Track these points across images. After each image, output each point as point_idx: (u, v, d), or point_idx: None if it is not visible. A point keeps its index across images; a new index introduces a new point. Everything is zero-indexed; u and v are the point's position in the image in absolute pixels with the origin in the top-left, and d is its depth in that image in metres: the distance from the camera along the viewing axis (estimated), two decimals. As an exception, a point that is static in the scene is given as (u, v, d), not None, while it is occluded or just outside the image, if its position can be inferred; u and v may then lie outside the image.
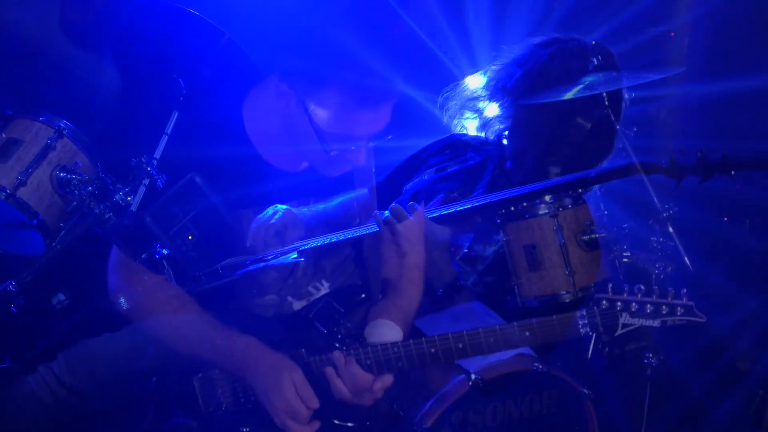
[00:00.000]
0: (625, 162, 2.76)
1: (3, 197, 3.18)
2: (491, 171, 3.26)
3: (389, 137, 2.71)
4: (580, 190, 2.99)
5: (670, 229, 2.73)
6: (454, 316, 3.22)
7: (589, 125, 3.03)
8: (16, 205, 3.20)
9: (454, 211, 2.80)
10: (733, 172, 2.47)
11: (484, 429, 2.86)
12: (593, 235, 2.85)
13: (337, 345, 2.47)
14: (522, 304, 3.01)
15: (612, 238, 2.93)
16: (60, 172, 3.27)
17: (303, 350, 2.45)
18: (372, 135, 2.54)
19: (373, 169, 2.91)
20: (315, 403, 2.37)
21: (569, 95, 2.85)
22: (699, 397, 3.75)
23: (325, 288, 2.78)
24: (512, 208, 2.93)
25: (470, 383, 2.78)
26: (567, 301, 2.90)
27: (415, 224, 2.63)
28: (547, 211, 2.87)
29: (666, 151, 3.02)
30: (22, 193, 3.22)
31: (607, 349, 3.62)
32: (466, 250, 3.53)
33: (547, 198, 2.88)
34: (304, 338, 2.49)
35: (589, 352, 3.47)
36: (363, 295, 2.65)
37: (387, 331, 2.51)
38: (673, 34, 4.70)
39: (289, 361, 2.39)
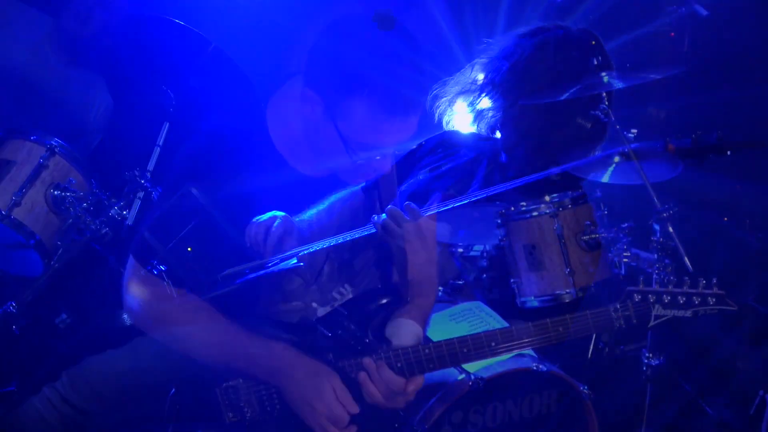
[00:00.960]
0: (623, 149, 2.75)
1: None
2: (486, 166, 3.26)
3: (413, 145, 2.71)
4: (581, 189, 2.99)
5: (670, 229, 2.73)
6: (454, 316, 3.22)
7: (581, 123, 3.03)
8: (11, 226, 3.19)
9: (453, 207, 2.79)
10: (729, 152, 2.48)
11: (484, 429, 2.86)
12: (593, 235, 2.85)
13: (350, 348, 2.47)
14: (522, 304, 3.02)
15: (611, 237, 2.92)
16: (54, 191, 3.26)
17: (331, 355, 2.46)
18: (399, 143, 2.54)
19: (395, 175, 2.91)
20: (355, 408, 2.37)
21: (561, 97, 2.85)
22: (699, 397, 3.74)
23: (348, 293, 2.77)
24: (512, 208, 2.93)
25: (470, 383, 2.78)
26: (567, 301, 2.91)
27: (424, 223, 2.62)
28: (547, 211, 2.87)
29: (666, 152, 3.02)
30: (17, 213, 3.21)
31: (607, 349, 3.62)
32: (465, 249, 3.53)
33: (547, 198, 2.88)
34: (329, 344, 2.49)
35: (590, 352, 3.47)
36: (385, 300, 2.65)
37: (408, 330, 2.52)
38: (673, 34, 4.70)
39: (326, 367, 2.39)
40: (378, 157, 2.54)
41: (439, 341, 2.42)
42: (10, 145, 3.34)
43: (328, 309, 2.70)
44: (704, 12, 4.50)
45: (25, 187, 3.22)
